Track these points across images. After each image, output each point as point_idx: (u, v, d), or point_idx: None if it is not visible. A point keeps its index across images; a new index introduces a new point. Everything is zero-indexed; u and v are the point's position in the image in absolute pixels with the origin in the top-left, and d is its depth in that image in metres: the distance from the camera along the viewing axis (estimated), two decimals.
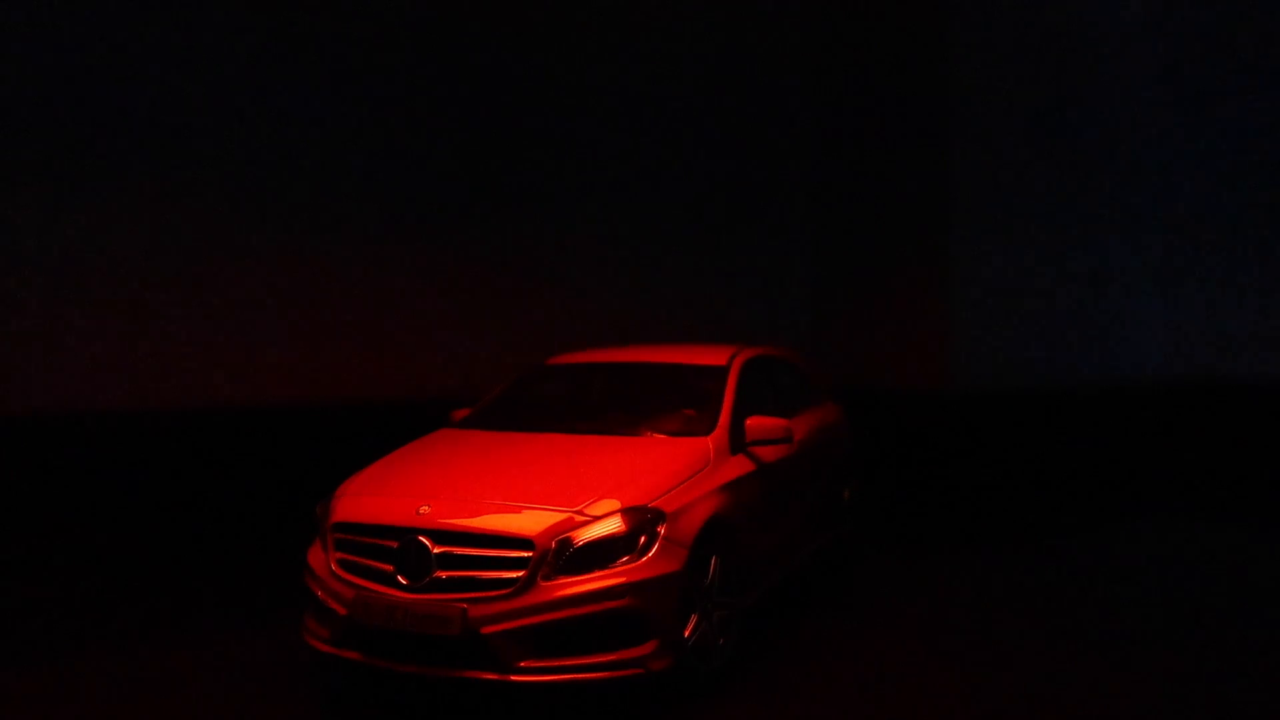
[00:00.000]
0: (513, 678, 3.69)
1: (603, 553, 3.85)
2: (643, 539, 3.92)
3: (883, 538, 7.26)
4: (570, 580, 3.77)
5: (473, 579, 3.79)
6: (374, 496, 4.26)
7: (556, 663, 3.73)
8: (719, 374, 5.30)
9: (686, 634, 4.02)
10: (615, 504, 3.98)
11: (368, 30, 7.44)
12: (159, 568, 6.26)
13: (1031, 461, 8.15)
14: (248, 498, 6.75)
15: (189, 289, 6.73)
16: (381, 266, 7.50)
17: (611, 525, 3.90)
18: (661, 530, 3.97)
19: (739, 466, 4.75)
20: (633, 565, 3.85)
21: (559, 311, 8.29)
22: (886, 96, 8.56)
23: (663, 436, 4.83)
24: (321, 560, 4.15)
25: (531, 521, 3.88)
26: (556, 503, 3.98)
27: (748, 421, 4.89)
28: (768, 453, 5.04)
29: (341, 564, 4.04)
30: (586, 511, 3.93)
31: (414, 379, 7.55)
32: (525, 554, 3.79)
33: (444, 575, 3.81)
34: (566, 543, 3.82)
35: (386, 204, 7.54)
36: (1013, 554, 6.99)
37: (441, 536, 3.88)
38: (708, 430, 4.81)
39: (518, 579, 3.75)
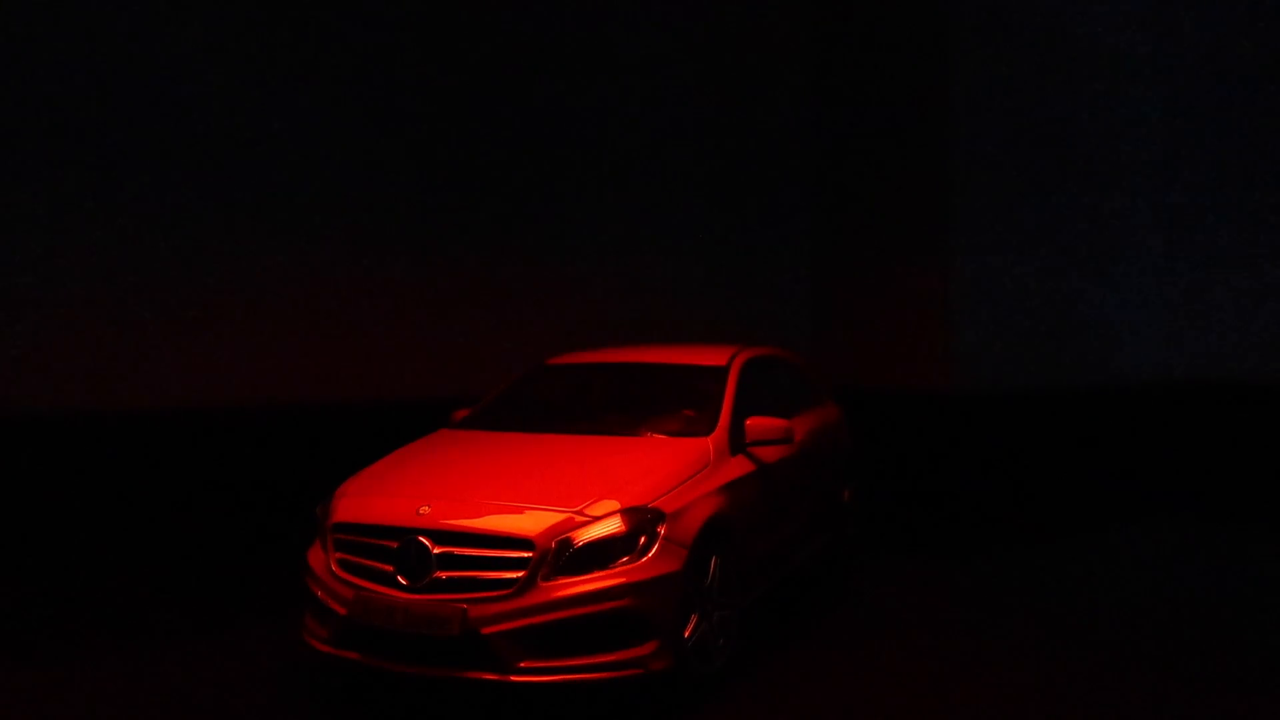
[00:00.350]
0: (513, 678, 3.69)
1: (603, 553, 3.86)
2: (642, 539, 3.92)
3: (883, 538, 7.26)
4: (570, 580, 3.78)
5: (473, 579, 3.80)
6: (374, 497, 4.27)
7: (556, 663, 3.73)
8: (719, 374, 5.30)
9: (686, 634, 4.02)
10: (615, 504, 3.99)
11: (367, 29, 7.44)
12: (159, 568, 6.26)
13: (1032, 462, 8.15)
14: (248, 498, 6.75)
15: (189, 289, 6.73)
16: (381, 266, 7.50)
17: (611, 525, 3.90)
18: (661, 530, 3.97)
19: (739, 467, 4.76)
20: (633, 565, 3.85)
21: (559, 311, 8.29)
22: (886, 96, 8.57)
23: (662, 437, 4.84)
24: (321, 560, 4.15)
25: (531, 522, 3.89)
26: (556, 503, 3.98)
27: (748, 422, 4.89)
28: (768, 453, 5.05)
29: (341, 564, 4.04)
30: (586, 512, 3.94)
31: (413, 379, 7.55)
32: (525, 554, 3.79)
33: (444, 576, 3.81)
34: (566, 543, 3.83)
35: (386, 204, 7.53)
36: (1013, 555, 6.99)
37: (441, 537, 3.88)
38: (708, 430, 4.82)
39: (518, 579, 3.75)
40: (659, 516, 4.00)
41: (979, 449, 7.72)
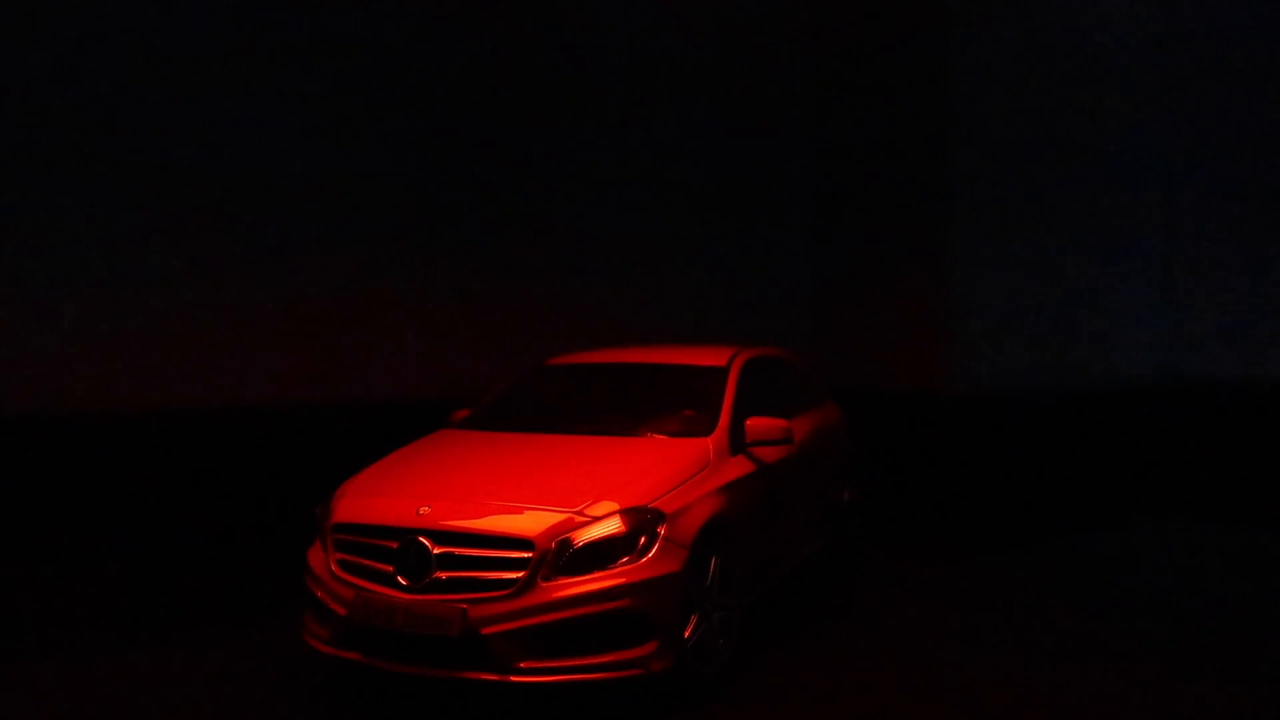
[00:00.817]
0: (512, 678, 3.69)
1: (602, 553, 3.86)
2: (642, 539, 3.92)
3: (883, 539, 7.26)
4: (570, 581, 3.78)
5: (473, 580, 3.80)
6: (374, 497, 4.27)
7: (556, 663, 3.73)
8: (719, 375, 5.30)
9: (686, 635, 4.02)
10: (615, 505, 3.99)
11: (369, 32, 7.44)
12: (159, 568, 6.26)
13: (1031, 464, 8.15)
14: (248, 498, 6.74)
15: (188, 289, 6.73)
16: (381, 267, 7.50)
17: (611, 526, 3.90)
18: (661, 531, 3.97)
19: (739, 467, 4.75)
20: (633, 566, 3.85)
21: (559, 312, 8.29)
22: (886, 98, 8.57)
23: (662, 437, 4.83)
24: (321, 561, 4.16)
25: (531, 522, 3.89)
26: (556, 503, 3.98)
27: (747, 422, 4.89)
28: (768, 454, 5.04)
29: (341, 564, 4.04)
30: (586, 512, 3.94)
31: (414, 379, 7.55)
32: (525, 555, 3.79)
33: (444, 576, 3.81)
34: (566, 543, 3.83)
35: (387, 205, 7.54)
36: (1013, 556, 6.99)
37: (441, 537, 3.88)
38: (707, 431, 4.81)
39: (518, 580, 3.75)
40: (659, 517, 4.00)
41: (979, 449, 7.72)
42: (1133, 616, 5.48)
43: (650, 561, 3.89)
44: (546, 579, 3.77)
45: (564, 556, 3.81)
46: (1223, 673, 4.53)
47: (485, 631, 3.68)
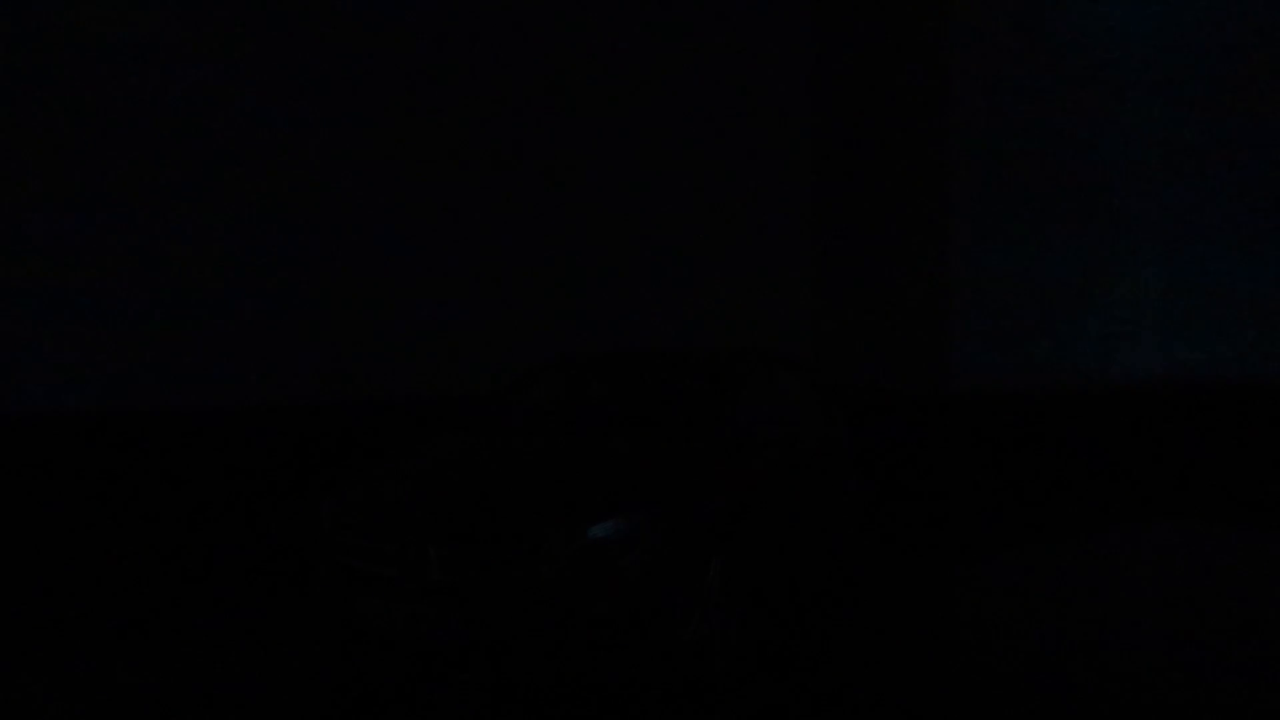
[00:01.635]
0: (513, 679, 3.69)
1: (603, 553, 3.86)
2: (643, 539, 3.92)
3: (883, 538, 7.26)
4: (571, 580, 3.78)
5: (473, 580, 3.80)
6: (374, 497, 4.27)
7: (557, 663, 3.73)
8: (720, 375, 5.32)
9: (687, 635, 4.02)
10: (616, 504, 3.99)
11: (367, 31, 7.44)
12: (159, 568, 6.26)
13: (1030, 463, 8.15)
14: (248, 498, 6.74)
15: (188, 289, 6.73)
16: (383, 268, 7.50)
17: (612, 525, 3.90)
18: (662, 531, 3.97)
19: (740, 467, 4.76)
20: (633, 565, 3.85)
21: (559, 311, 8.28)
22: (887, 98, 8.56)
23: (663, 437, 4.83)
24: (322, 561, 4.16)
25: (531, 522, 3.89)
26: (557, 503, 3.99)
27: (748, 423, 4.90)
28: (768, 454, 5.05)
29: (342, 565, 4.04)
30: (587, 512, 3.94)
31: (416, 378, 7.55)
32: (525, 555, 3.79)
33: (444, 576, 3.81)
34: (567, 543, 3.83)
35: (389, 208, 7.54)
36: (1013, 555, 6.99)
37: (442, 537, 3.88)
38: (708, 431, 4.82)
39: (518, 580, 3.75)
40: (660, 517, 4.00)
41: (977, 449, 7.72)
42: (1134, 616, 5.47)
43: (650, 561, 3.89)
44: (547, 579, 3.77)
45: (565, 556, 3.81)
46: (1225, 672, 4.53)
47: (485, 632, 3.68)
